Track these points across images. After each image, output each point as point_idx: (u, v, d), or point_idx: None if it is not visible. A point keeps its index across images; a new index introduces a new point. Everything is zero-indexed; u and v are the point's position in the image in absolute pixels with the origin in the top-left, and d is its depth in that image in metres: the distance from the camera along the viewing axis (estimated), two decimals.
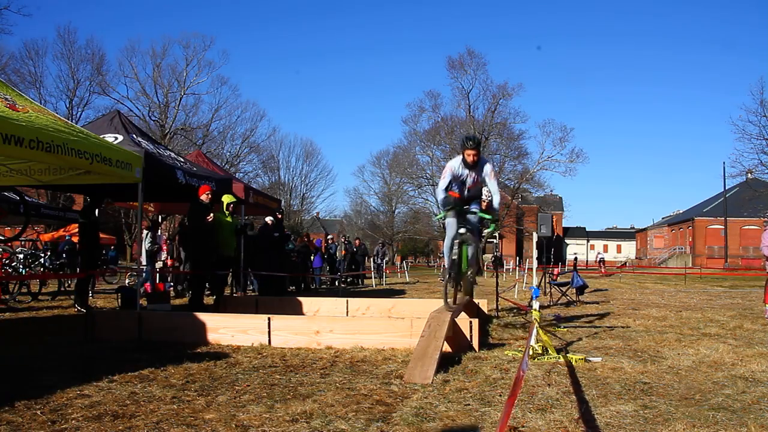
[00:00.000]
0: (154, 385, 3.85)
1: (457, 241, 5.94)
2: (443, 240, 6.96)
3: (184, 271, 10.29)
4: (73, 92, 36.80)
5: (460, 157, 5.97)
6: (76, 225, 11.72)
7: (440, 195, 6.09)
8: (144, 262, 10.82)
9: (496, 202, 6.13)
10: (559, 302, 10.54)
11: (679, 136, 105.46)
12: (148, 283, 9.57)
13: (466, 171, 5.97)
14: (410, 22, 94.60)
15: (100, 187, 7.96)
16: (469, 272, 6.10)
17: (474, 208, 6.14)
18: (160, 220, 13.54)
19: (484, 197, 6.42)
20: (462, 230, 5.92)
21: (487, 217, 6.10)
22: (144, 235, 11.61)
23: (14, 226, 19.07)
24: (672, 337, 6.26)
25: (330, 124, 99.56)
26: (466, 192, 6.14)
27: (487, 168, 6.07)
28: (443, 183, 6.06)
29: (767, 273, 8.45)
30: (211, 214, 8.35)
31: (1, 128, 4.24)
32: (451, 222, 6.08)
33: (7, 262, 10.67)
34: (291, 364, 4.64)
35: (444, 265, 6.56)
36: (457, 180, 6.04)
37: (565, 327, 7.19)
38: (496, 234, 6.00)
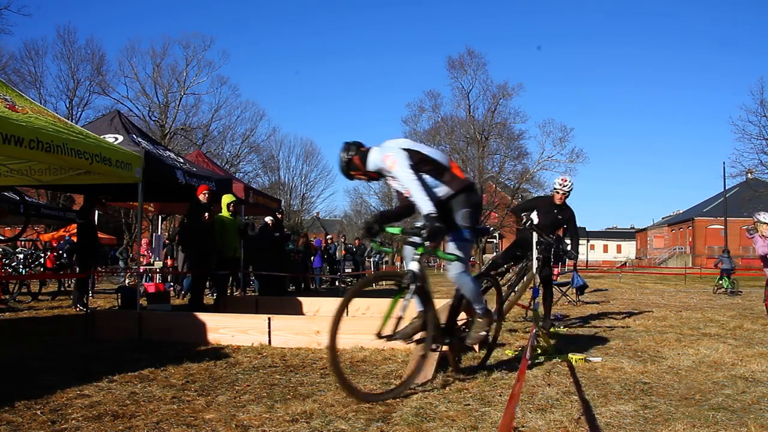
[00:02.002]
0: (154, 385, 3.85)
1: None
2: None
3: (184, 271, 10.31)
4: (73, 92, 36.75)
5: None
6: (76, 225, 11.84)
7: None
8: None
9: (419, 205, 3.64)
10: (558, 302, 10.54)
11: (679, 136, 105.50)
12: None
13: (372, 181, 4.23)
14: (410, 22, 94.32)
15: (100, 187, 7.97)
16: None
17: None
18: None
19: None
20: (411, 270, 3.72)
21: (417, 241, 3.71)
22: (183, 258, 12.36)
23: (14, 226, 19.09)
24: (672, 337, 6.26)
25: (330, 124, 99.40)
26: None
27: (374, 157, 3.81)
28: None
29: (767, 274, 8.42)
30: (206, 213, 8.29)
31: (1, 128, 4.25)
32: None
33: (7, 262, 10.69)
34: (291, 364, 4.64)
35: None
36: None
37: (565, 327, 7.19)
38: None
